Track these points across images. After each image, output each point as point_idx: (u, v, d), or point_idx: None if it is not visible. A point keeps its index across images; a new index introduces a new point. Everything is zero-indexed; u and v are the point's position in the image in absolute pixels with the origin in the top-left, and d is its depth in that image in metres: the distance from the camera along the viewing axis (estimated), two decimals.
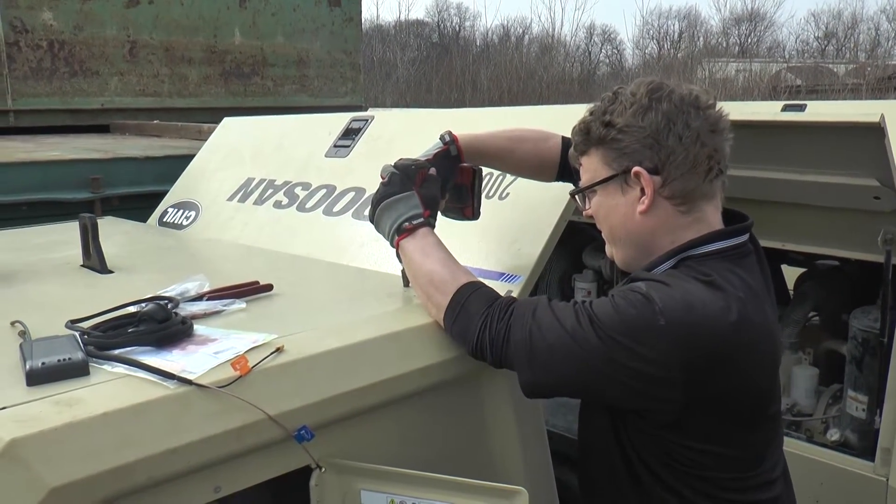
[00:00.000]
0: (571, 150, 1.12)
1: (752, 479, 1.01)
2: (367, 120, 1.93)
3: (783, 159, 1.74)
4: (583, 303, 0.98)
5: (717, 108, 1.02)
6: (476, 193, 1.30)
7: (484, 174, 1.32)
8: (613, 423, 1.04)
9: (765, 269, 1.06)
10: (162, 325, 0.95)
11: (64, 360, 0.84)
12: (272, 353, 0.93)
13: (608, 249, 1.11)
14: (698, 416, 0.96)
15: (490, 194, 1.48)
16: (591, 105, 1.07)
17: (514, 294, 1.24)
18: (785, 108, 1.69)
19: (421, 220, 1.14)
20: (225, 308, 1.12)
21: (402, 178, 1.16)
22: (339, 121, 2.00)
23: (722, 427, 0.97)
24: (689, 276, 0.96)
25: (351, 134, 1.93)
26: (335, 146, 1.93)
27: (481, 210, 1.31)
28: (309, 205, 1.80)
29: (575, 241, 2.27)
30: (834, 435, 1.87)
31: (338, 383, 0.98)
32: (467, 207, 1.30)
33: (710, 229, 1.02)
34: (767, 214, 1.90)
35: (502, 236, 1.39)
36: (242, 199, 1.97)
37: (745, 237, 1.04)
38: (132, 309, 1.04)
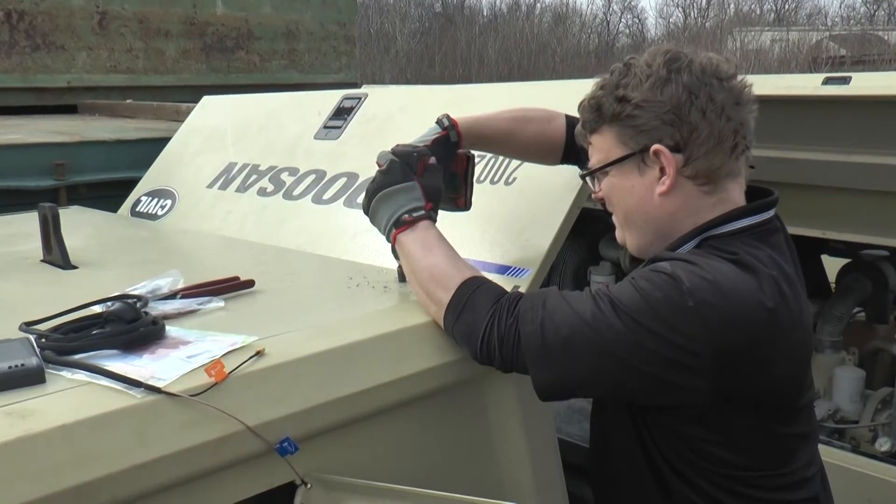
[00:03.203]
0: (579, 128, 1.11)
1: (786, 476, 1.01)
2: (359, 98, 1.92)
3: (824, 138, 1.72)
4: (599, 290, 0.98)
5: (739, 79, 1.02)
6: (469, 183, 1.30)
7: (487, 158, 1.31)
8: (633, 420, 1.04)
9: (792, 249, 1.06)
10: (129, 327, 0.94)
11: (16, 366, 0.83)
12: (252, 357, 0.92)
13: (619, 234, 1.11)
14: (728, 408, 0.96)
15: (495, 179, 1.47)
16: (600, 78, 1.06)
17: (522, 289, 1.24)
18: (827, 81, 1.67)
19: (422, 212, 1.14)
20: (201, 307, 1.11)
21: (403, 166, 1.15)
22: (329, 99, 1.98)
23: (753, 420, 0.98)
24: (715, 254, 0.96)
25: (342, 114, 1.92)
26: (325, 127, 1.91)
27: (474, 199, 1.30)
28: (296, 192, 1.79)
29: (590, 230, 2.25)
30: (884, 444, 1.86)
31: (325, 390, 0.98)
32: (459, 198, 1.29)
33: (733, 208, 1.02)
34: (806, 200, 1.89)
35: (508, 226, 1.38)
36: (223, 186, 1.96)
37: (771, 212, 1.04)
38: (97, 309, 1.03)
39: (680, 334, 0.90)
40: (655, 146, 1.00)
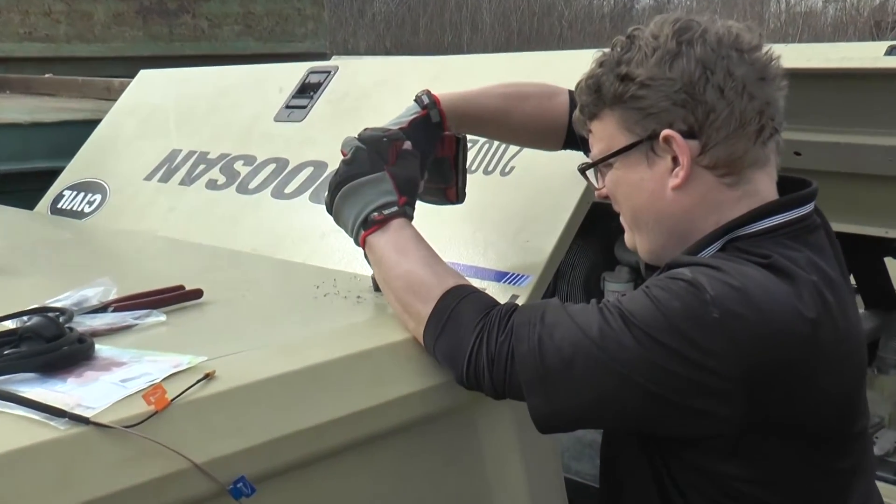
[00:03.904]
0: (576, 114, 1.13)
1: None
2: (328, 72, 1.94)
3: (887, 119, 1.73)
4: (607, 301, 0.99)
5: (764, 50, 1.03)
6: (461, 169, 1.31)
7: (479, 144, 1.33)
8: (650, 455, 1.05)
9: (836, 249, 1.08)
10: (50, 346, 0.94)
11: None
12: (200, 381, 0.93)
13: (628, 237, 1.13)
14: (763, 439, 0.97)
15: (488, 169, 1.49)
16: (600, 54, 1.08)
17: (521, 301, 1.26)
18: (891, 51, 1.68)
19: (395, 208, 1.15)
20: (137, 321, 1.12)
21: (371, 153, 1.16)
22: (293, 73, 2.00)
23: (794, 453, 0.99)
24: (743, 258, 0.97)
25: (308, 91, 1.93)
26: (288, 107, 1.93)
27: (467, 190, 1.32)
28: (253, 185, 1.80)
29: (603, 228, 2.26)
30: None
31: (288, 420, 0.98)
32: (450, 188, 1.31)
33: (762, 203, 1.03)
34: (865, 192, 1.91)
35: (505, 224, 1.40)
36: (165, 178, 1.98)
37: (809, 207, 1.05)
38: (9, 325, 1.03)
39: (703, 352, 0.91)
40: (666, 132, 1.00)
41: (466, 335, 1.04)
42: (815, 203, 1.07)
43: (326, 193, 1.20)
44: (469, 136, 1.35)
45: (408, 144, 1.19)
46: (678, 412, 0.94)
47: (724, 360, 0.91)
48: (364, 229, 1.15)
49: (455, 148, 1.30)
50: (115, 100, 2.42)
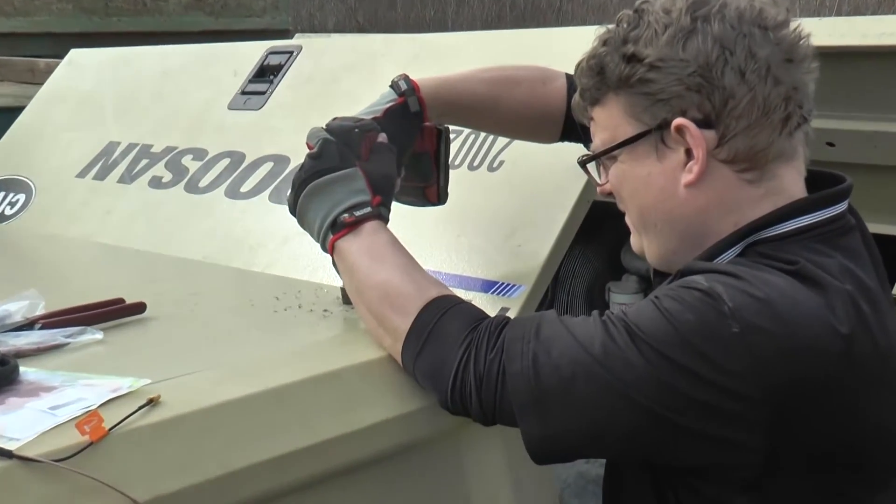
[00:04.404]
0: (576, 98, 1.14)
1: None
2: (291, 52, 1.94)
3: None
4: (610, 314, 1.00)
5: (792, 27, 1.04)
6: (442, 166, 1.31)
7: (464, 135, 1.33)
8: (658, 488, 1.06)
9: (874, 254, 1.09)
10: None
11: None
12: (143, 407, 0.93)
13: (635, 240, 1.14)
14: (792, 472, 0.97)
15: (474, 164, 1.50)
16: (604, 31, 1.09)
17: (512, 314, 1.26)
18: None
19: (368, 210, 1.15)
20: (70, 340, 1.12)
21: (340, 147, 1.17)
22: (249, 54, 2.00)
23: (827, 487, 0.99)
24: (766, 265, 0.98)
25: (267, 74, 1.93)
26: (244, 93, 1.93)
27: (449, 189, 1.32)
28: (204, 182, 1.80)
29: (608, 231, 2.28)
30: None
31: (245, 451, 0.98)
32: (430, 187, 1.32)
33: (788, 201, 1.04)
34: None
35: (493, 227, 1.40)
36: (101, 175, 1.97)
37: (842, 206, 1.06)
38: None
39: (720, 371, 0.91)
40: (678, 120, 1.01)
41: (451, 352, 1.05)
42: (850, 201, 1.07)
43: (289, 192, 1.21)
44: (452, 128, 1.36)
45: (383, 137, 1.20)
46: (691, 439, 0.94)
47: (744, 380, 0.91)
48: (333, 233, 1.15)
49: (436, 141, 1.30)
50: (41, 83, 2.41)
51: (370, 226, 1.15)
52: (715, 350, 0.92)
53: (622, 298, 2.34)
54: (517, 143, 1.47)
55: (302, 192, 1.17)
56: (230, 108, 1.92)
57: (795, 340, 0.92)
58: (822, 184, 1.08)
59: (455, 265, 1.39)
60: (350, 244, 1.15)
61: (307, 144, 1.20)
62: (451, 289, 1.16)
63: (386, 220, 1.19)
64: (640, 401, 0.94)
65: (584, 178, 1.34)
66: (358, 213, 1.15)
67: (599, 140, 1.11)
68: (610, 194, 1.13)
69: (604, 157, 1.10)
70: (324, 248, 1.18)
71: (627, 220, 1.13)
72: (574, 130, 1.32)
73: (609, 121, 1.08)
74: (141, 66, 2.25)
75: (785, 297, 0.94)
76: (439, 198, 1.33)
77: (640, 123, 1.05)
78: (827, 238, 1.02)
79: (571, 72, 1.33)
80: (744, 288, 0.94)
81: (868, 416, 0.98)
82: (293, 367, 1.10)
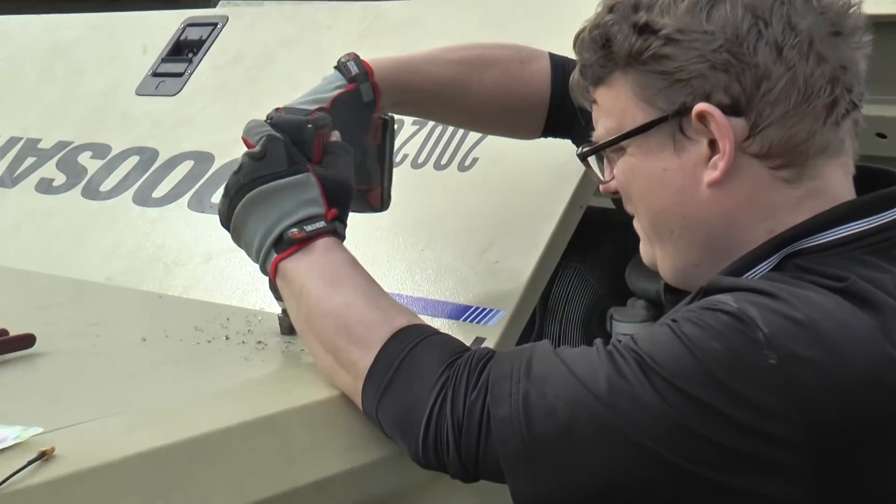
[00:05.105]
0: (575, 77, 1.14)
1: None
2: (214, 25, 1.94)
3: None
4: (616, 343, 1.00)
5: None
6: (387, 163, 1.32)
7: (428, 128, 1.34)
8: None
9: None
10: None
11: None
12: (34, 462, 0.92)
13: (645, 250, 1.15)
14: None
15: (442, 162, 1.50)
16: None
17: (488, 345, 1.27)
18: None
19: (321, 224, 1.16)
20: None
21: (289, 147, 1.18)
22: (163, 26, 1.99)
23: None
24: (808, 281, 0.98)
25: (185, 51, 1.93)
26: (156, 75, 1.92)
27: (401, 192, 1.33)
28: (107, 186, 1.79)
29: (609, 245, 2.28)
30: None
31: None
32: (372, 189, 1.33)
33: (834, 204, 1.04)
34: None
35: (465, 239, 1.41)
36: None
37: None
38: None
39: (755, 411, 0.91)
40: (700, 106, 1.01)
41: (423, 393, 1.05)
42: None
43: (222, 199, 1.20)
44: (413, 119, 1.38)
45: (336, 134, 1.21)
46: (718, 495, 0.94)
47: (783, 421, 0.91)
48: (277, 251, 1.16)
49: (381, 135, 1.31)
50: None
51: (323, 243, 1.16)
52: (747, 386, 0.92)
53: (628, 328, 2.30)
54: (492, 139, 1.47)
55: (240, 200, 1.17)
56: (139, 93, 1.92)
57: (845, 371, 0.93)
58: (874, 183, 1.08)
59: (418, 286, 1.39)
60: (298, 265, 1.15)
61: (245, 141, 1.19)
62: (418, 316, 1.16)
63: (342, 238, 1.19)
64: (656, 449, 0.94)
65: (575, 179, 1.36)
66: (309, 229, 1.15)
67: (604, 128, 1.11)
68: (615, 193, 1.13)
69: (609, 148, 1.10)
70: (264, 269, 1.18)
71: (636, 225, 1.14)
72: (560, 123, 1.33)
73: (616, 105, 1.08)
74: (24, 39, 2.23)
75: (831, 320, 0.94)
76: (382, 203, 1.33)
77: (653, 108, 1.05)
78: (881, 249, 1.03)
79: (547, 51, 1.35)
80: (781, 309, 0.94)
81: None
82: (218, 411, 1.09)
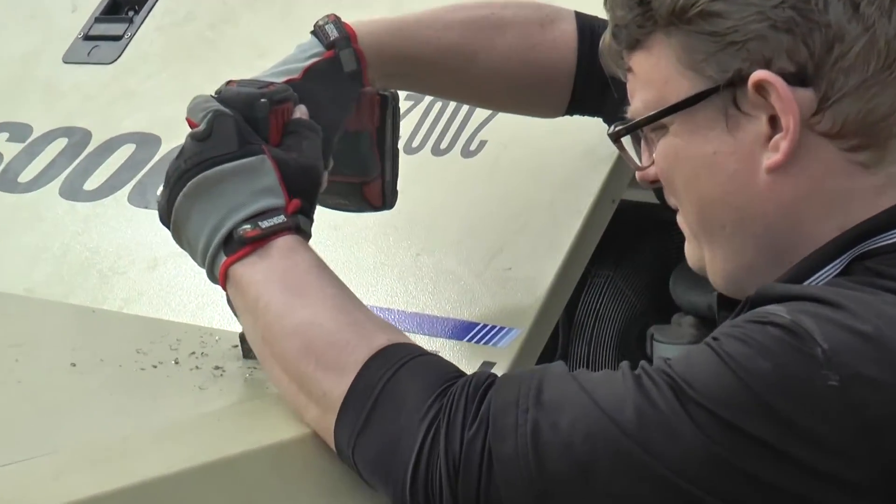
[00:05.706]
0: (606, 39, 1.14)
1: None
2: None
3: None
4: (647, 365, 0.99)
5: None
6: (389, 150, 1.33)
7: (425, 104, 1.33)
8: None
9: None
10: None
11: None
12: None
13: (692, 251, 1.15)
14: None
15: (441, 146, 1.50)
16: None
17: (500, 370, 1.27)
18: None
19: (280, 219, 1.17)
20: None
21: (240, 124, 1.18)
22: None
23: None
24: (880, 287, 0.99)
25: (124, 9, 1.93)
26: (88, 38, 1.93)
27: (399, 186, 1.33)
28: (27, 176, 1.80)
29: (648, 248, 2.28)
30: None
31: None
32: (371, 182, 1.34)
33: None
34: None
35: (471, 241, 1.41)
36: None
37: None
38: None
39: (813, 443, 0.92)
40: (759, 73, 1.02)
41: (411, 427, 1.04)
42: None
43: (160, 189, 1.21)
44: (405, 94, 1.37)
45: (302, 110, 1.21)
46: None
47: (848, 455, 0.92)
48: (227, 253, 1.16)
49: (380, 115, 1.32)
50: None
51: (283, 242, 1.15)
52: (803, 413, 0.92)
53: (672, 351, 2.30)
54: (504, 117, 1.47)
55: (180, 190, 1.17)
56: (67, 60, 1.92)
57: None
58: None
59: (412, 299, 1.39)
60: (253, 270, 1.15)
61: (189, 122, 1.19)
62: (406, 335, 1.15)
63: (307, 235, 1.19)
64: (692, 490, 0.94)
65: (607, 167, 1.37)
66: (265, 225, 1.15)
67: (641, 102, 1.11)
68: (656, 183, 1.14)
69: (648, 126, 1.11)
70: (212, 276, 1.18)
71: (681, 221, 1.15)
72: (588, 98, 1.34)
73: (656, 73, 1.09)
74: None
75: None
76: (384, 199, 1.34)
77: (701, 77, 1.06)
78: None
79: (573, 10, 1.35)
80: (845, 321, 0.94)
81: None
82: (167, 451, 1.08)
